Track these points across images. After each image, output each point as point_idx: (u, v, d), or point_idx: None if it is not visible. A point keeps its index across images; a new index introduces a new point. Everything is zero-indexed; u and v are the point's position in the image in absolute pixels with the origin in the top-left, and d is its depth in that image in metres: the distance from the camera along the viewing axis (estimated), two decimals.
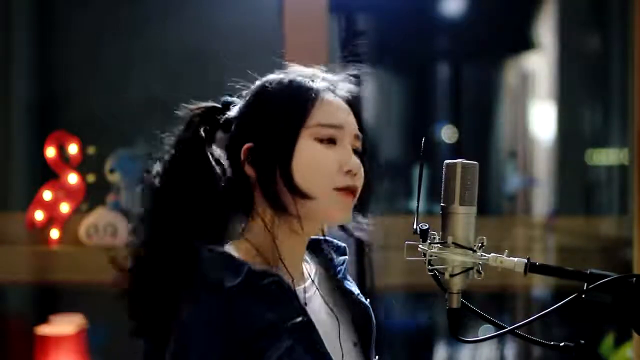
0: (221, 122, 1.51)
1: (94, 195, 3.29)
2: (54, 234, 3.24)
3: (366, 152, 1.52)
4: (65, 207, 3.25)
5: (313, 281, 1.52)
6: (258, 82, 1.52)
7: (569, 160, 3.91)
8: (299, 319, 1.40)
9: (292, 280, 1.45)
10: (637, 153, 2.74)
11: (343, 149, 1.46)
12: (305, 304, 1.46)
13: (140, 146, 3.28)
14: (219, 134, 1.52)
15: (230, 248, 1.46)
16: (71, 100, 3.63)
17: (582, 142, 3.93)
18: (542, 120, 3.97)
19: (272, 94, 1.48)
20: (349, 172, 1.45)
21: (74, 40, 3.63)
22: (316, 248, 1.59)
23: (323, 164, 1.44)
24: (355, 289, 1.57)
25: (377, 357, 1.57)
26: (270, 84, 1.49)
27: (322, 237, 1.59)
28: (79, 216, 3.24)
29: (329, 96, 1.48)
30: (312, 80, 1.49)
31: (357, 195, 1.48)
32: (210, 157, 1.47)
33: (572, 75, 3.88)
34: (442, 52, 4.42)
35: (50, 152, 3.26)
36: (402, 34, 3.92)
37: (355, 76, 1.55)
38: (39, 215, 3.25)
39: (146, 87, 3.46)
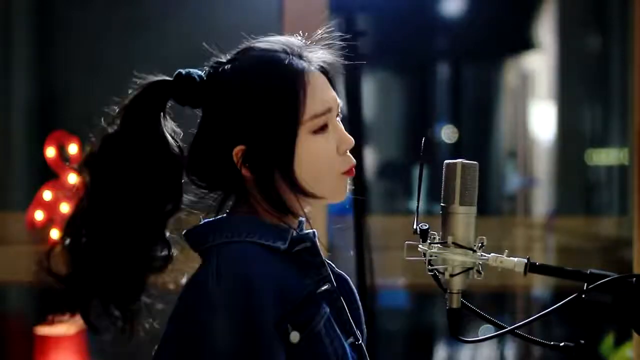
0: (181, 97, 1.44)
1: None
2: (54, 234, 3.24)
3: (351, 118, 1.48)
4: (65, 207, 3.25)
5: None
6: (230, 67, 1.43)
7: (569, 160, 3.91)
8: (327, 286, 1.39)
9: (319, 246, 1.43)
10: (637, 153, 2.74)
11: (335, 130, 1.42)
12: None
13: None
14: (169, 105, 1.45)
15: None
16: (71, 100, 3.63)
17: (582, 142, 3.93)
18: (542, 120, 3.98)
19: (258, 86, 1.39)
20: (346, 151, 1.44)
21: (74, 41, 3.63)
22: None
23: (324, 155, 1.41)
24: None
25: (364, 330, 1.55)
26: (252, 70, 1.41)
27: None
28: None
29: (313, 76, 1.41)
30: (292, 60, 1.40)
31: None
32: (165, 132, 1.42)
33: (572, 75, 3.88)
34: (442, 52, 4.42)
35: (50, 152, 3.25)
36: (402, 34, 3.92)
37: (335, 40, 1.47)
38: (39, 215, 3.25)
39: None
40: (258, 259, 1.36)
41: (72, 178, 3.27)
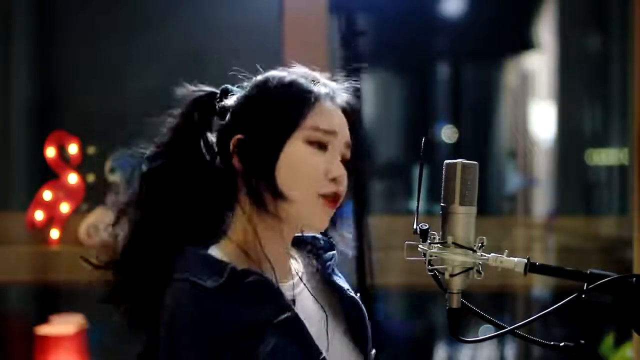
0: (217, 109, 1.51)
1: (94, 195, 3.29)
2: (54, 234, 3.24)
3: (354, 162, 1.51)
4: (65, 207, 3.25)
5: (300, 278, 1.52)
6: (260, 77, 1.51)
7: (569, 160, 3.91)
8: (285, 314, 1.40)
9: (276, 277, 1.45)
10: (637, 153, 2.74)
11: (332, 156, 1.45)
12: (294, 300, 1.47)
13: (140, 146, 3.28)
14: (216, 121, 1.52)
15: (213, 249, 1.46)
16: (71, 100, 3.63)
17: (582, 142, 3.93)
18: (542, 120, 3.98)
19: (272, 90, 1.47)
20: (334, 179, 1.45)
21: (74, 40, 3.63)
22: (303, 244, 1.59)
23: (309, 168, 1.43)
24: (344, 285, 1.56)
25: (373, 350, 1.56)
26: (272, 79, 1.49)
27: (308, 234, 1.58)
28: (79, 216, 3.24)
29: (327, 102, 1.48)
30: (314, 84, 1.48)
31: (339, 203, 1.48)
32: (202, 144, 1.48)
33: (572, 75, 3.88)
34: (442, 52, 4.42)
35: (50, 152, 3.26)
36: (402, 34, 3.92)
37: (355, 87, 1.54)
38: (39, 215, 3.25)
39: (146, 87, 3.46)
40: (189, 299, 1.39)
41: (73, 178, 3.27)
